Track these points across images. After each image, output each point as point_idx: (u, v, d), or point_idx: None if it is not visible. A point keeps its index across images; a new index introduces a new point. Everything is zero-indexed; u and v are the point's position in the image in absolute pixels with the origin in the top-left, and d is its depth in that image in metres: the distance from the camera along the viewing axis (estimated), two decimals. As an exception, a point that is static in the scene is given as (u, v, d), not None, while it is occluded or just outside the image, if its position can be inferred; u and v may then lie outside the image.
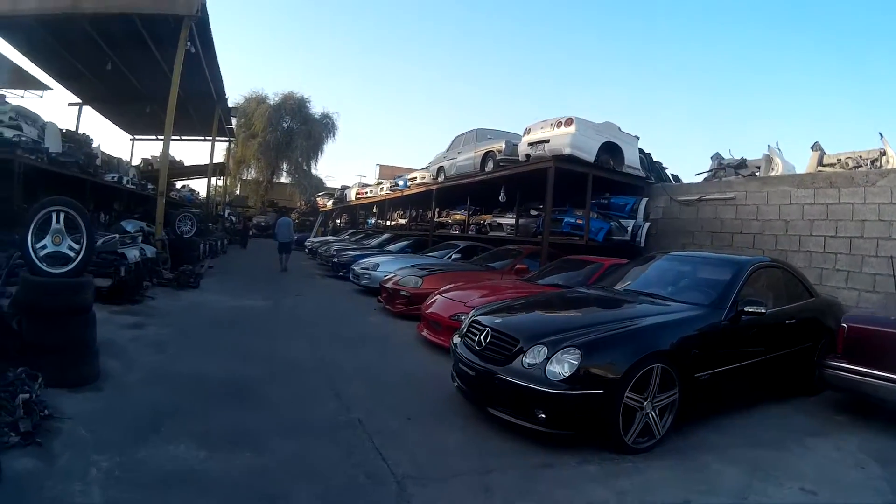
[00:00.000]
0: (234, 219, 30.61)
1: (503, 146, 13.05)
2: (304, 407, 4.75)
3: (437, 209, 18.61)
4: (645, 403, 4.27)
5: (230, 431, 4.01)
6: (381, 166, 40.19)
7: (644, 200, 12.12)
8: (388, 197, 22.73)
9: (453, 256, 13.49)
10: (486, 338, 4.74)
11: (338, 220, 36.79)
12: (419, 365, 6.61)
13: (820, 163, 12.50)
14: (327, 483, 3.42)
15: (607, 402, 4.10)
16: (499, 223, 14.94)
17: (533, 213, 14.15)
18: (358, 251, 15.85)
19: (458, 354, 4.97)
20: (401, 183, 20.61)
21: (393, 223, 25.18)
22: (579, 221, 11.56)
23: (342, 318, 9.38)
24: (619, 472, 3.87)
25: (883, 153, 11.66)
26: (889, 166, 10.96)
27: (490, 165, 13.48)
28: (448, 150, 16.25)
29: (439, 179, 16.45)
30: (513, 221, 14.38)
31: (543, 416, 4.08)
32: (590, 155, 10.91)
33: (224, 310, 8.78)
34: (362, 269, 12.49)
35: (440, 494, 3.42)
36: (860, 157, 12.00)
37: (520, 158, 12.05)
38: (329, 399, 5.02)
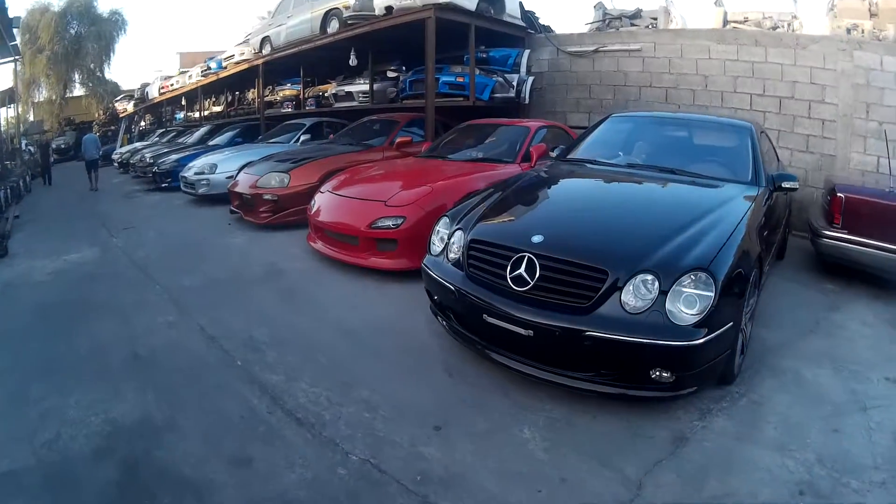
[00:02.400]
0: (32, 149, 24.35)
1: (351, 1, 10.08)
2: (270, 469, 2.48)
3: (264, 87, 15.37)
4: (745, 319, 3.23)
5: None
6: (182, 55, 34.20)
7: (527, 52, 10.23)
8: (199, 84, 18.41)
9: (302, 139, 10.61)
10: (530, 271, 2.90)
11: (142, 123, 31.28)
12: (354, 308, 4.45)
13: (724, 20, 11.62)
14: None
15: (732, 334, 2.91)
16: (347, 92, 12.04)
17: (390, 75, 11.57)
18: (180, 153, 12.19)
19: (476, 301, 3.07)
20: (214, 65, 16.66)
21: (207, 113, 20.99)
22: (460, 80, 9.33)
23: (198, 248, 6.53)
24: (754, 419, 2.89)
25: (795, 17, 11.37)
26: (801, 31, 10.65)
27: (334, 25, 10.62)
28: (274, 15, 12.87)
29: (264, 52, 13.15)
30: (366, 88, 11.66)
31: (670, 376, 2.68)
32: (471, 2, 8.74)
33: (47, 282, 5.51)
34: (196, 174, 9.31)
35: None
36: (773, 17, 11.51)
37: (376, 13, 9.41)
38: (289, 429, 2.78)
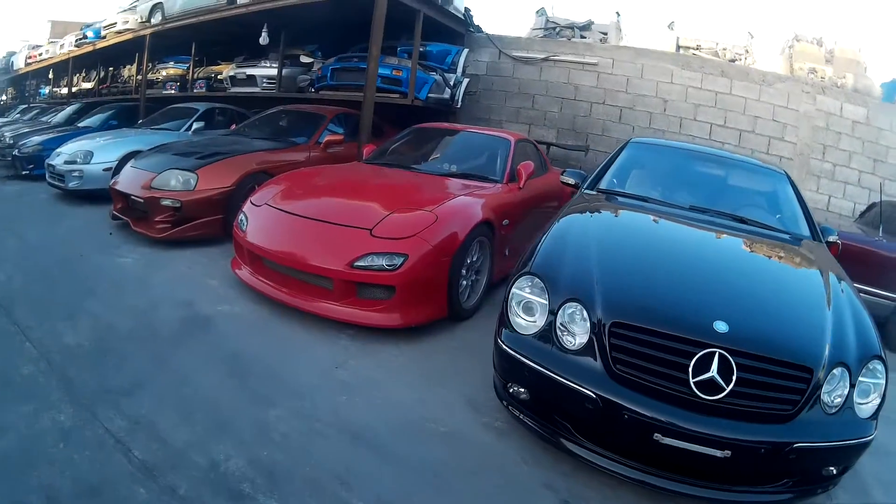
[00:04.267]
0: None
1: (270, -29, 8.25)
2: None
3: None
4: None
5: None
6: (53, 23, 29.27)
7: (465, 52, 8.93)
8: (71, 55, 15.27)
9: (195, 127, 8.24)
10: (724, 373, 2.09)
11: (2, 97, 27.09)
12: (350, 390, 2.89)
13: (677, 44, 11.47)
14: None
15: None
16: (249, 75, 10.01)
17: (304, 60, 9.78)
18: (45, 135, 9.19)
19: (640, 416, 2.12)
20: (91, 34, 13.74)
21: (76, 90, 17.53)
22: (397, 73, 7.82)
23: (76, 271, 4.35)
24: (859, 485, 2.64)
25: (748, 51, 11.32)
26: (753, 66, 10.70)
27: (246, -5, 8.66)
28: (172, -20, 10.54)
29: (153, 22, 10.76)
30: (273, 73, 9.73)
31: (837, 472, 2.24)
32: (425, -13, 7.37)
33: None
34: (66, 163, 6.80)
35: None
36: (729, 49, 11.45)
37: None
38: None
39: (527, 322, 2.46)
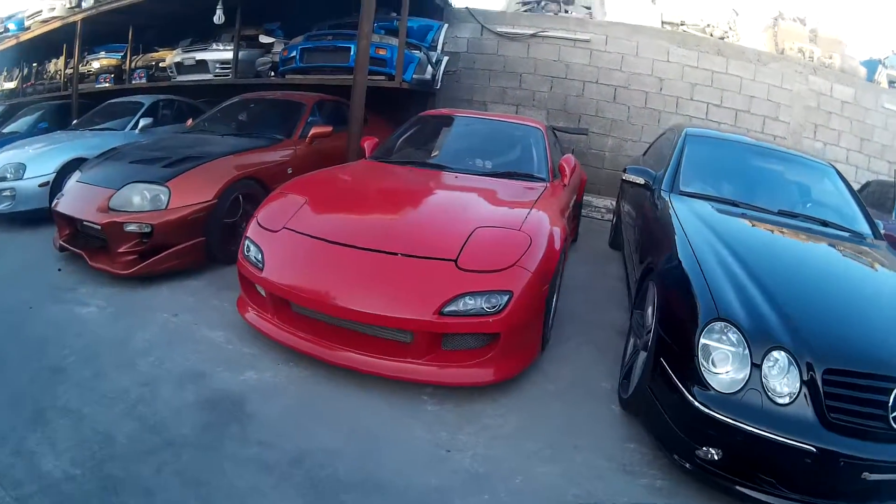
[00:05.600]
0: None
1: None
2: None
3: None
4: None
5: None
6: None
7: (445, 27, 8.07)
8: None
9: (142, 123, 6.83)
10: None
11: None
12: (488, 490, 2.07)
13: (661, 20, 11.34)
14: None
15: None
16: (199, 61, 8.73)
17: (263, 40, 8.68)
18: None
19: (853, 459, 1.98)
20: (13, 26, 12.05)
21: None
22: (380, 52, 6.82)
23: (29, 333, 3.12)
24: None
25: (731, 28, 11.50)
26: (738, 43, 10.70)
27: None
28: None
29: (85, 6, 9.33)
30: (229, 56, 8.54)
31: None
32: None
33: None
34: None
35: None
36: (717, 27, 11.59)
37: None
38: None
39: (723, 376, 2.14)
